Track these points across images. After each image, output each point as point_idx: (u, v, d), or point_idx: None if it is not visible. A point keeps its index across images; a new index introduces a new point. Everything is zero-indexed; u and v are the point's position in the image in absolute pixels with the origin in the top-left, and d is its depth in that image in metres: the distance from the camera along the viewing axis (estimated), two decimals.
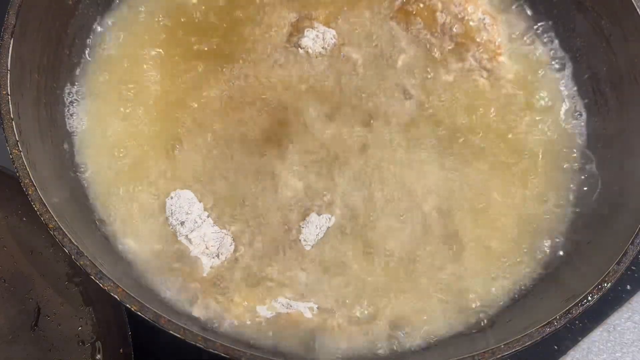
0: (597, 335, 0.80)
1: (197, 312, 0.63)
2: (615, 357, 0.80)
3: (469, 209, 0.69)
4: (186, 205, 0.67)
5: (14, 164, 0.57)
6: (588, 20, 0.74)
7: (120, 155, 0.69)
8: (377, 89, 0.74)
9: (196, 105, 0.72)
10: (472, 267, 0.67)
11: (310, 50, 0.75)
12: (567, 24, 0.77)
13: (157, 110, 0.71)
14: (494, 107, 0.74)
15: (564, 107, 0.75)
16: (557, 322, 0.56)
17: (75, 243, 0.55)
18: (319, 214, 0.67)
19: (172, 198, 0.67)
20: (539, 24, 0.79)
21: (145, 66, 0.73)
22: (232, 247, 0.66)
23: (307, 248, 0.66)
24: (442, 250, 0.67)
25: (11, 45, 0.61)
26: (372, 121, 0.72)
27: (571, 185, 0.72)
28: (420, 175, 0.70)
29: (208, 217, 0.67)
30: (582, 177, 0.72)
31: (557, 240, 0.69)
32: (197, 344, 0.53)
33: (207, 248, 0.65)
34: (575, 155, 0.73)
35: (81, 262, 0.55)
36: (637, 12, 0.67)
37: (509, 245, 0.68)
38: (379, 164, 0.70)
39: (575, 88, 0.76)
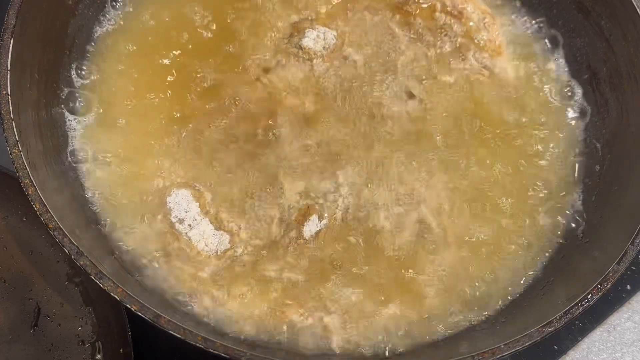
0: (597, 335, 0.80)
1: (196, 310, 0.63)
2: (615, 357, 0.80)
3: (470, 209, 0.69)
4: (185, 203, 0.67)
5: (14, 164, 0.57)
6: (588, 20, 0.74)
7: (120, 155, 0.69)
8: (378, 90, 0.74)
9: (196, 105, 0.72)
10: (471, 267, 0.67)
11: (311, 51, 0.75)
12: (567, 24, 0.77)
13: (157, 109, 0.71)
14: (495, 106, 0.74)
15: (564, 106, 0.75)
16: (557, 322, 0.56)
17: (75, 243, 0.55)
18: (318, 214, 0.67)
19: (170, 196, 0.67)
20: (539, 24, 0.79)
21: (145, 66, 0.73)
22: (231, 244, 0.66)
23: (306, 247, 0.66)
24: (441, 250, 0.67)
25: (11, 45, 0.61)
26: (373, 121, 0.72)
27: (571, 185, 0.72)
28: (421, 175, 0.70)
29: (206, 214, 0.67)
30: (582, 176, 0.72)
31: (557, 240, 0.69)
32: (197, 344, 0.53)
33: (206, 245, 0.65)
34: (575, 155, 0.73)
35: (81, 262, 0.55)
36: (637, 12, 0.67)
37: (509, 245, 0.68)
38: (380, 165, 0.70)
39: (575, 88, 0.76)
